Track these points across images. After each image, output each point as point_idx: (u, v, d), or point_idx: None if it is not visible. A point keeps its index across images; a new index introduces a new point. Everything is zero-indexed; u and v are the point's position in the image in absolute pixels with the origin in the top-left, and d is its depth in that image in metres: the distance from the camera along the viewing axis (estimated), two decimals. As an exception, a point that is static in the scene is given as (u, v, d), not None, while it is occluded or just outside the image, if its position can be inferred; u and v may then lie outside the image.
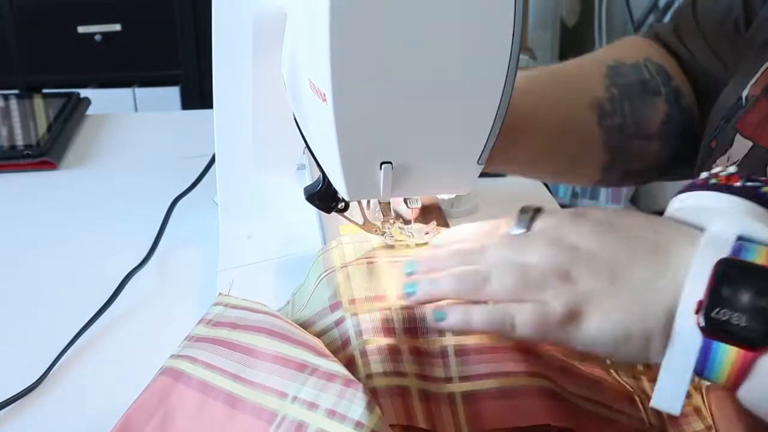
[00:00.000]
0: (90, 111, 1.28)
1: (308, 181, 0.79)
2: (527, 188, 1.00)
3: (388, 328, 0.53)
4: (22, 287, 0.80)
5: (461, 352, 0.52)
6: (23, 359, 0.68)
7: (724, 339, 0.43)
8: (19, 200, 0.99)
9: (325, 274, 0.59)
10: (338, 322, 0.55)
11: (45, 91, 1.58)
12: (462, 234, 0.56)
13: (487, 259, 0.51)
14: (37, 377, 0.65)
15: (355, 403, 0.44)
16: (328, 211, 0.63)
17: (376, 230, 0.63)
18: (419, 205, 0.64)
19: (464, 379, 0.51)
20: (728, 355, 0.43)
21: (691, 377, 0.45)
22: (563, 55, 2.89)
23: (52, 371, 0.66)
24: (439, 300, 0.53)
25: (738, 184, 0.47)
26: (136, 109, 2.28)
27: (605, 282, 0.47)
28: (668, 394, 0.45)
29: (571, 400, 0.52)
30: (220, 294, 0.58)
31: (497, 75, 0.51)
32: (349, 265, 0.59)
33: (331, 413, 0.45)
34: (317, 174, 0.63)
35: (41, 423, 0.61)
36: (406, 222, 0.63)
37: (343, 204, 0.63)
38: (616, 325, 0.46)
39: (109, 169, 1.08)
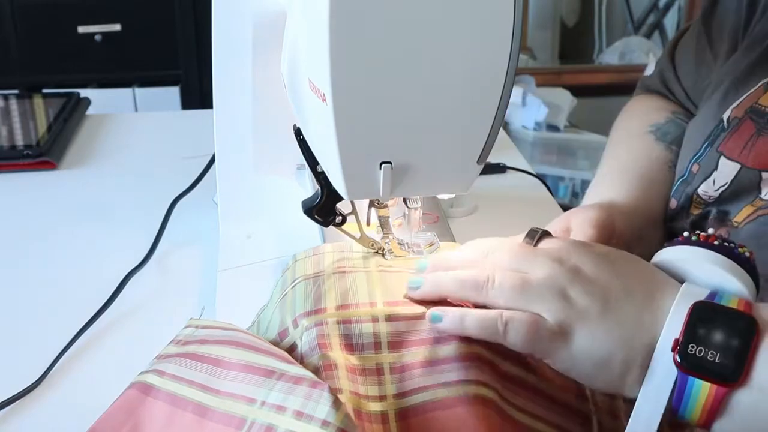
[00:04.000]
0: (90, 111, 1.29)
1: (309, 186, 0.79)
2: (527, 188, 1.00)
3: (324, 344, 0.53)
4: (22, 287, 0.80)
5: (397, 369, 0.52)
6: (23, 359, 0.68)
7: (698, 374, 0.46)
8: (19, 200, 0.99)
9: (280, 297, 0.59)
10: (291, 349, 0.55)
11: (45, 91, 1.59)
12: (472, 246, 0.58)
13: (491, 262, 0.54)
14: (37, 377, 0.65)
15: (322, 403, 0.45)
16: (326, 225, 0.63)
17: (373, 244, 0.63)
18: (419, 205, 0.64)
19: (399, 395, 0.51)
20: (702, 390, 0.46)
21: (664, 411, 0.48)
22: (563, 55, 2.89)
23: (52, 371, 0.66)
24: (440, 298, 0.55)
25: (716, 242, 0.51)
26: (136, 109, 2.28)
27: (598, 307, 0.50)
28: (641, 425, 0.48)
29: (509, 412, 0.51)
30: (191, 318, 0.58)
31: (497, 75, 0.51)
32: (297, 282, 0.59)
33: (299, 414, 0.46)
34: (317, 186, 0.63)
35: (41, 423, 0.61)
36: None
37: (340, 218, 0.63)
38: (600, 349, 0.49)
39: (109, 169, 1.08)
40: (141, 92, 2.29)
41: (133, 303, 0.76)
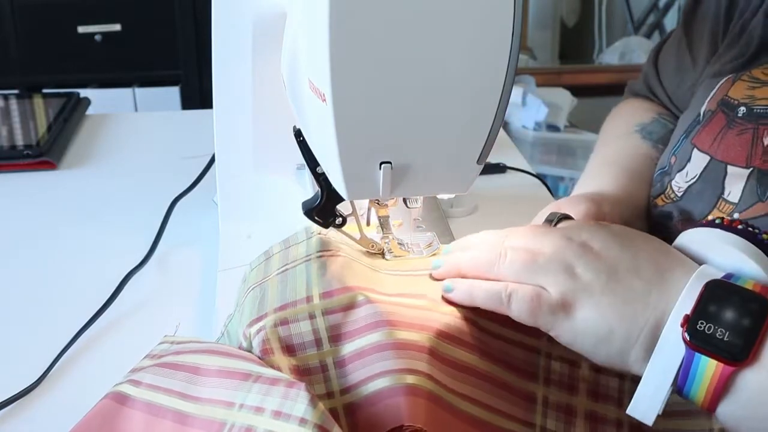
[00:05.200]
0: (90, 111, 1.29)
1: (309, 186, 0.79)
2: (527, 188, 1.00)
3: (266, 349, 0.53)
4: (21, 287, 0.80)
5: (340, 363, 0.52)
6: (23, 359, 0.68)
7: (706, 351, 0.46)
8: (19, 200, 0.99)
9: (239, 310, 0.59)
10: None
11: (45, 91, 1.58)
12: (492, 231, 0.60)
13: (508, 242, 0.56)
14: (37, 377, 0.65)
15: (299, 402, 0.46)
16: (326, 226, 0.64)
17: (373, 245, 0.63)
18: (419, 205, 0.64)
19: (345, 391, 0.51)
20: (708, 367, 0.46)
21: (670, 389, 0.48)
22: (563, 55, 2.89)
23: (52, 371, 0.66)
24: (459, 275, 0.57)
25: (740, 227, 0.51)
26: (136, 109, 2.28)
27: (604, 281, 0.51)
28: (645, 402, 0.49)
29: (453, 402, 0.51)
30: (165, 335, 0.58)
31: (497, 75, 0.51)
32: (249, 292, 0.59)
33: (277, 414, 0.46)
34: (317, 187, 0.63)
35: (41, 423, 0.61)
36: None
37: (340, 219, 0.64)
38: (603, 322, 0.50)
39: (109, 169, 1.08)
40: (141, 92, 2.29)
41: (133, 303, 0.76)
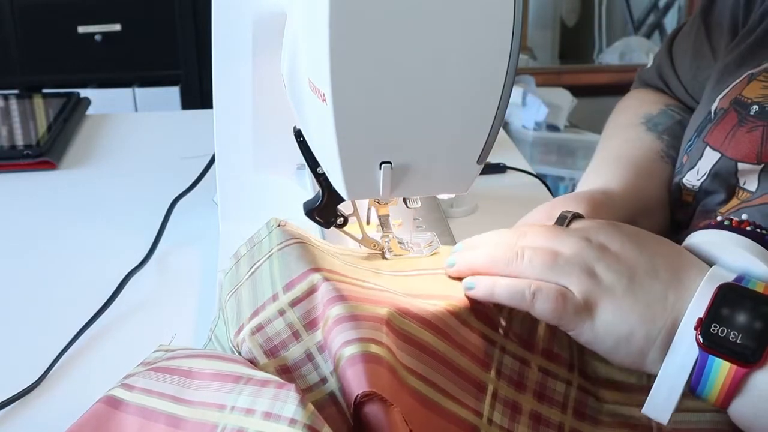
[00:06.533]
0: (90, 111, 1.29)
1: (309, 186, 0.79)
2: (527, 188, 1.00)
3: (253, 359, 0.53)
4: (21, 287, 0.80)
5: (321, 348, 0.52)
6: (23, 359, 0.68)
7: (719, 354, 0.47)
8: (19, 200, 0.99)
9: (222, 320, 0.59)
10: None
11: (45, 91, 1.59)
12: (504, 230, 0.60)
13: (524, 240, 0.56)
14: (37, 377, 0.65)
15: (289, 402, 0.46)
16: (327, 227, 0.64)
17: (375, 245, 0.63)
18: (419, 205, 0.64)
19: (332, 372, 0.51)
20: (722, 369, 0.47)
21: (684, 389, 0.49)
22: (563, 55, 2.89)
23: (52, 371, 0.66)
24: (473, 273, 0.56)
25: (748, 228, 0.52)
26: (136, 109, 2.28)
27: (624, 284, 0.52)
28: (660, 402, 0.50)
29: (406, 379, 0.51)
30: (160, 344, 0.58)
31: (497, 75, 0.51)
32: (227, 302, 0.59)
33: (267, 415, 0.46)
34: (318, 187, 0.63)
35: (41, 423, 0.61)
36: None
37: (342, 219, 0.64)
38: (623, 323, 0.51)
39: (109, 169, 1.08)
40: (141, 92, 2.29)
41: (133, 303, 0.76)
